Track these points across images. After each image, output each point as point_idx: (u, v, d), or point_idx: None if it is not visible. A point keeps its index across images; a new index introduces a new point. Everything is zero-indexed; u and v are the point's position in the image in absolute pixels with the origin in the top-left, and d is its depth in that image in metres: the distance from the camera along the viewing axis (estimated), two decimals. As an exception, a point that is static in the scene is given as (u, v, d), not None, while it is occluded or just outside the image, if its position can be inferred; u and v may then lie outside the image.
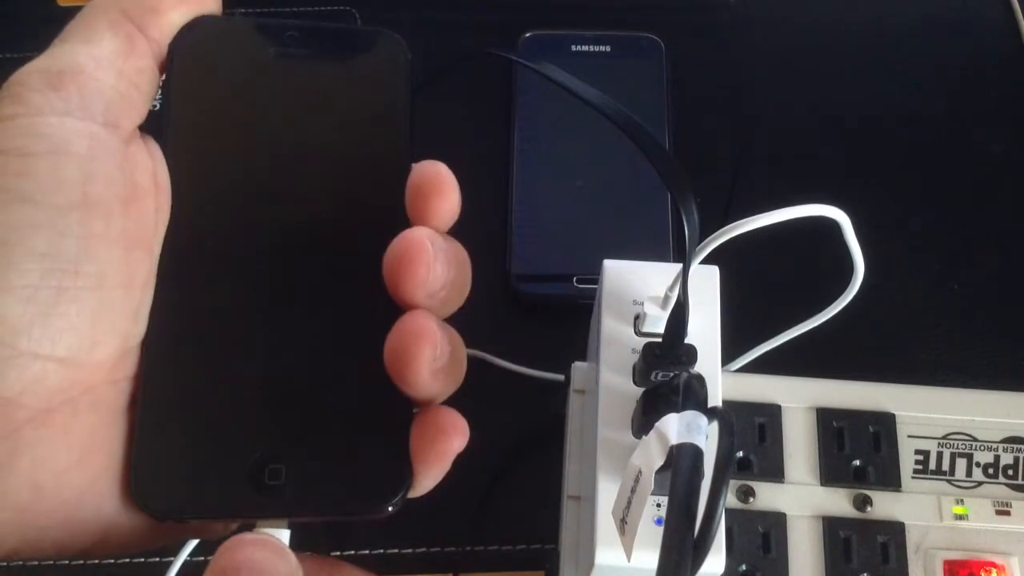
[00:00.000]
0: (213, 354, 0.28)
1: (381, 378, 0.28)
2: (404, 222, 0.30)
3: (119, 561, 0.44)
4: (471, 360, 0.48)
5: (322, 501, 0.27)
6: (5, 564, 0.43)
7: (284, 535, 0.27)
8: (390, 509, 0.28)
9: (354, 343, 0.29)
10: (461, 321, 0.49)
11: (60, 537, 0.26)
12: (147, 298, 0.28)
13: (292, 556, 0.25)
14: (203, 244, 0.29)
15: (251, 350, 0.28)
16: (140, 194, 0.28)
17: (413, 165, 0.30)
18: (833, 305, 0.36)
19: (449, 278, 0.29)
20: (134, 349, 0.28)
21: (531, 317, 0.50)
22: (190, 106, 0.30)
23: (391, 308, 0.28)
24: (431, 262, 0.28)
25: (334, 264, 0.29)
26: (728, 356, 0.40)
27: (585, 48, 0.56)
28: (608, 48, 0.55)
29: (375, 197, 0.30)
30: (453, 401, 0.48)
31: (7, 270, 0.25)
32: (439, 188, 0.31)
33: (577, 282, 0.49)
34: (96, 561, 0.44)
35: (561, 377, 0.43)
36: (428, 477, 0.29)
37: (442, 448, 0.29)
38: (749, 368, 0.44)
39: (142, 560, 0.45)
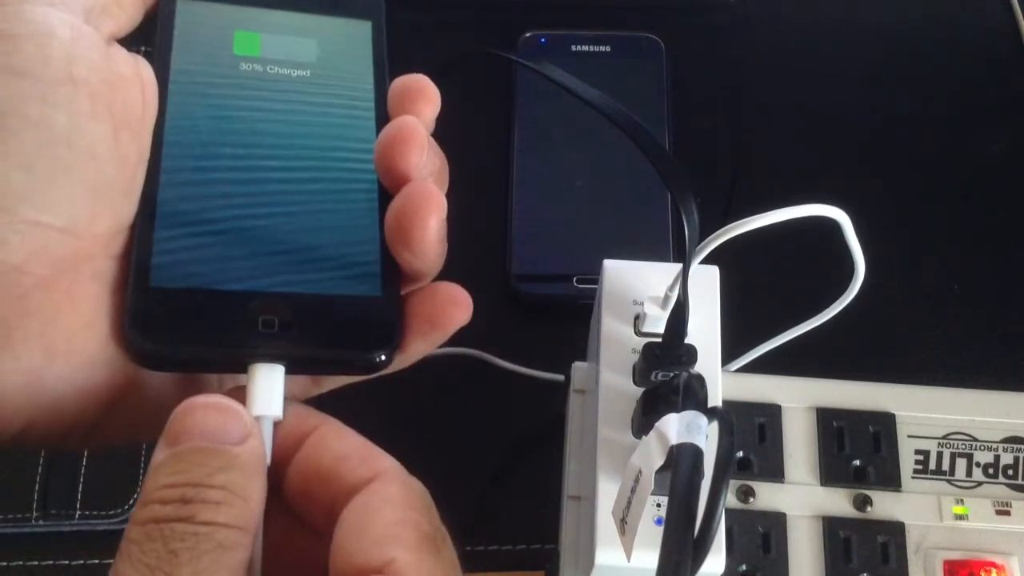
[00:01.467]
0: (209, 208, 0.28)
1: (374, 248, 0.29)
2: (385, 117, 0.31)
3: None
4: (471, 360, 0.48)
5: (314, 349, 0.27)
6: (5, 564, 0.43)
7: (277, 391, 0.26)
8: (381, 359, 0.28)
9: (348, 217, 0.30)
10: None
11: (72, 408, 0.26)
12: (139, 179, 0.28)
13: (247, 416, 0.25)
14: (195, 140, 0.29)
15: (248, 209, 0.29)
16: (124, 83, 0.28)
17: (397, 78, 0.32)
18: (834, 305, 0.36)
19: (435, 167, 0.31)
20: (126, 230, 0.28)
21: (531, 317, 0.50)
22: (181, 27, 0.31)
23: (383, 193, 0.30)
24: (424, 142, 0.29)
25: (324, 150, 0.30)
26: (728, 356, 0.40)
27: (585, 48, 0.56)
28: (608, 48, 0.55)
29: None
30: (452, 395, 0.48)
31: (5, 137, 0.25)
32: (423, 93, 0.32)
33: (577, 282, 0.49)
34: (96, 561, 0.44)
35: (561, 377, 0.43)
36: (427, 343, 0.30)
37: (449, 316, 0.30)
38: (749, 368, 0.44)
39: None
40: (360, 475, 0.25)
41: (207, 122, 0.29)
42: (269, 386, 0.26)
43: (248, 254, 0.28)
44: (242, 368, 0.26)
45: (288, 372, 0.27)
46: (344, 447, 0.26)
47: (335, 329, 0.28)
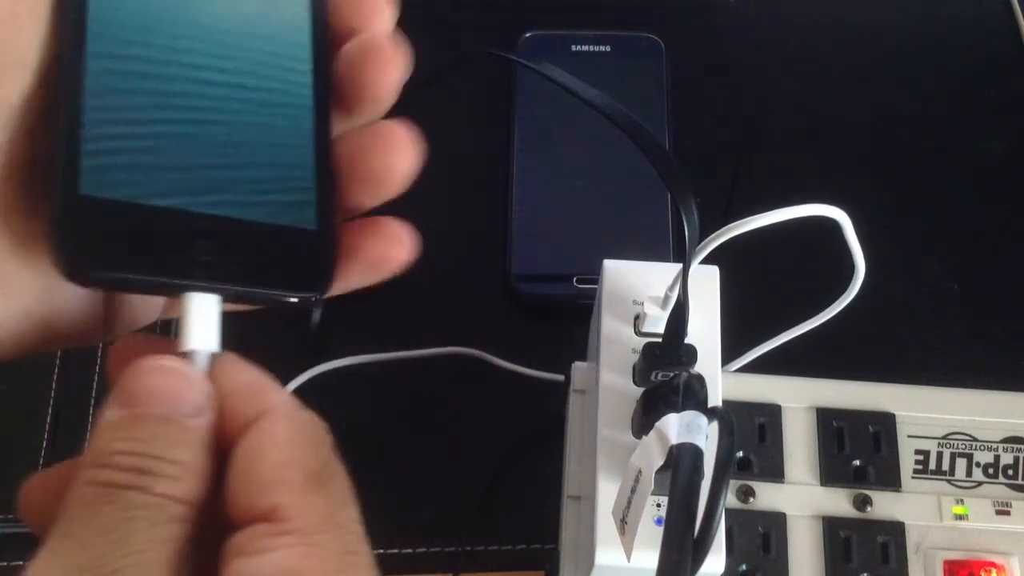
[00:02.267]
0: (141, 108, 0.25)
1: (310, 174, 0.27)
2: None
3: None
4: (471, 360, 0.48)
5: (248, 282, 0.26)
6: (5, 564, 0.43)
7: (214, 323, 0.25)
8: (313, 299, 0.27)
9: (284, 134, 0.27)
10: (462, 321, 0.49)
11: None
12: (32, 48, 0.23)
13: (203, 382, 0.23)
14: (122, 22, 0.26)
15: (182, 113, 0.26)
16: None
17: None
18: (834, 304, 0.36)
19: None
20: (17, 112, 0.23)
21: (531, 317, 0.50)
22: None
23: (319, 113, 0.27)
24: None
25: (261, 52, 0.27)
26: (728, 356, 0.40)
27: (585, 48, 0.55)
28: (608, 48, 0.55)
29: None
30: (452, 396, 0.48)
31: None
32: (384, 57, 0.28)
33: (577, 282, 0.49)
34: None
35: (561, 377, 0.43)
36: (365, 280, 0.28)
37: (391, 257, 0.28)
38: (749, 368, 0.44)
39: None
40: (248, 414, 0.23)
41: (135, 3, 0.26)
42: (206, 318, 0.25)
43: (183, 167, 0.25)
44: (173, 293, 0.25)
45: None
46: (233, 383, 0.24)
47: (270, 262, 0.26)
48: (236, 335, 0.26)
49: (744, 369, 0.44)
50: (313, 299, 0.27)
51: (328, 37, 0.28)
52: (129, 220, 0.24)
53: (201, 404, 0.23)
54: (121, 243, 0.24)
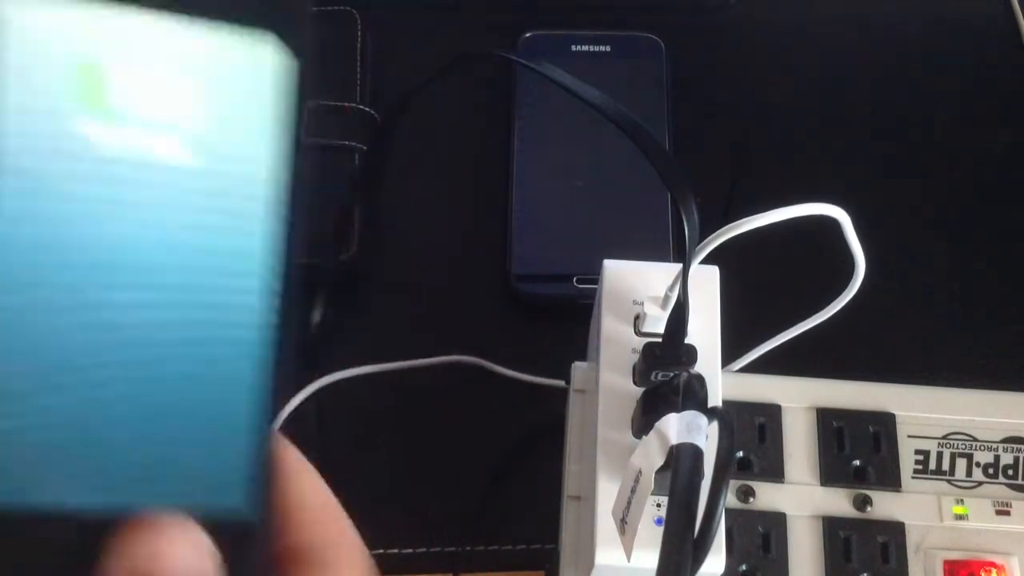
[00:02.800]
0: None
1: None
2: None
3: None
4: (470, 365, 0.48)
5: None
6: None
7: None
8: None
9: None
10: (462, 321, 0.49)
11: None
12: None
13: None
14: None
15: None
16: None
17: None
18: (835, 303, 0.36)
19: None
20: None
21: (531, 317, 0.50)
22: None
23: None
24: None
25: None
26: (729, 357, 0.40)
27: (585, 48, 0.55)
28: (608, 48, 0.55)
29: None
30: (452, 396, 0.48)
31: None
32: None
33: (577, 282, 0.49)
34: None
35: (562, 383, 0.43)
36: None
37: None
38: (749, 368, 0.44)
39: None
40: (322, 537, 0.22)
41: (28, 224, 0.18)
42: None
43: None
44: None
45: None
46: (310, 503, 0.22)
47: None
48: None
49: (744, 369, 0.44)
50: None
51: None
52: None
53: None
54: None
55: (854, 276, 0.33)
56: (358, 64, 0.53)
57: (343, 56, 0.54)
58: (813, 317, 0.37)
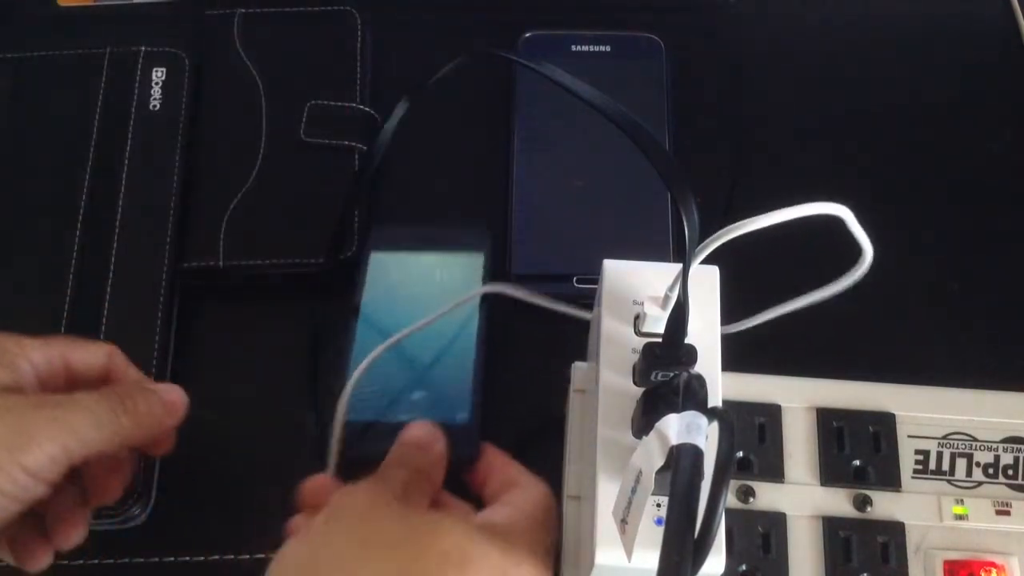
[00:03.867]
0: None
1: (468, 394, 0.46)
2: None
3: (118, 561, 0.45)
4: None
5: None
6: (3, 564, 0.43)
7: None
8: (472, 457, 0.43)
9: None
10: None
11: None
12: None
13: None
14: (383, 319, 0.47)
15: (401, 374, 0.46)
16: None
17: None
18: (843, 279, 0.34)
19: None
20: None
21: (531, 317, 0.50)
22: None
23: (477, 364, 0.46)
24: None
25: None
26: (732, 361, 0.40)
27: (585, 48, 0.55)
28: (608, 48, 0.55)
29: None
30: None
31: None
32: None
33: (577, 282, 0.49)
34: (96, 562, 0.44)
35: (587, 315, 0.43)
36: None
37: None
38: (741, 365, 0.44)
39: (141, 561, 0.45)
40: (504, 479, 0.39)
41: (388, 321, 0.46)
42: None
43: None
44: None
45: None
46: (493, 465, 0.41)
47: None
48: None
49: (744, 366, 0.44)
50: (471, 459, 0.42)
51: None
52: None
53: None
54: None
55: (860, 260, 0.32)
56: (358, 64, 0.53)
57: (343, 56, 0.54)
58: (818, 291, 0.36)
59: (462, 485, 0.41)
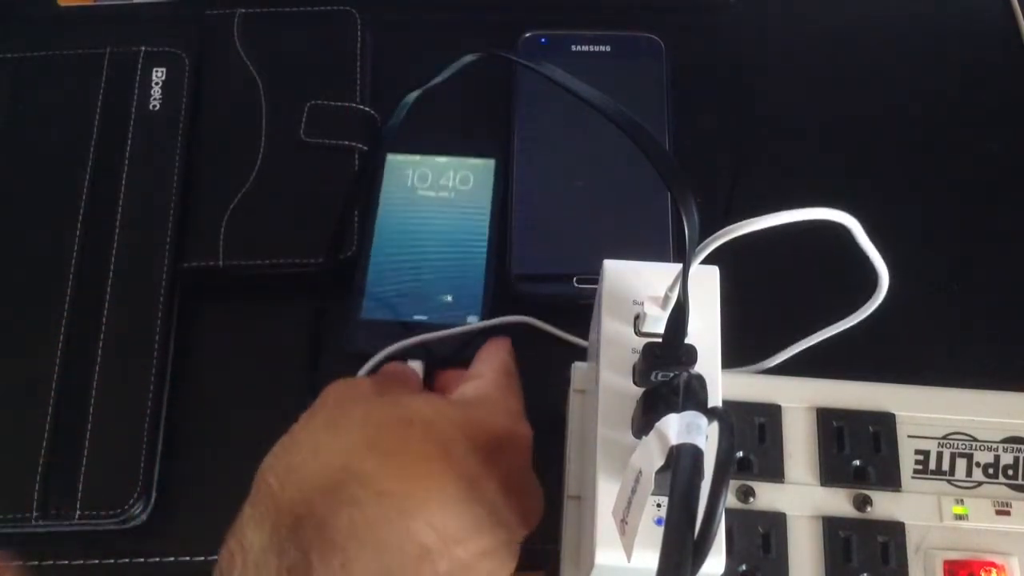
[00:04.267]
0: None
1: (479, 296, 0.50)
2: None
3: (134, 560, 0.45)
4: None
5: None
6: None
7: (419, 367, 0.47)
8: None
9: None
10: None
11: None
12: None
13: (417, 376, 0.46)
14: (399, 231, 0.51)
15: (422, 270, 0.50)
16: None
17: None
18: (863, 308, 0.36)
19: None
20: None
21: (532, 317, 0.50)
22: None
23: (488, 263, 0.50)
24: None
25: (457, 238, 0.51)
26: (737, 359, 0.40)
27: (585, 48, 0.55)
28: (608, 48, 0.55)
29: None
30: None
31: None
32: None
33: (577, 282, 0.49)
34: (96, 561, 0.44)
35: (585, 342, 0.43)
36: None
37: None
38: (741, 365, 0.44)
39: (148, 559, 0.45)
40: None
41: (403, 224, 0.50)
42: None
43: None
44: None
45: None
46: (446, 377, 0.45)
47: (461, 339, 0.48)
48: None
49: (744, 366, 0.44)
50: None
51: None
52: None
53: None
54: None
55: (879, 281, 0.33)
56: (358, 64, 0.53)
57: (343, 56, 0.54)
58: (839, 323, 0.37)
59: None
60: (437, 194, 0.51)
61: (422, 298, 0.48)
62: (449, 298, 0.48)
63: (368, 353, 0.46)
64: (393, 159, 0.52)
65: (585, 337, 0.44)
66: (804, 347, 0.41)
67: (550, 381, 0.44)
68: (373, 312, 0.47)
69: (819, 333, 0.39)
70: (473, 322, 0.47)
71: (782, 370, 0.43)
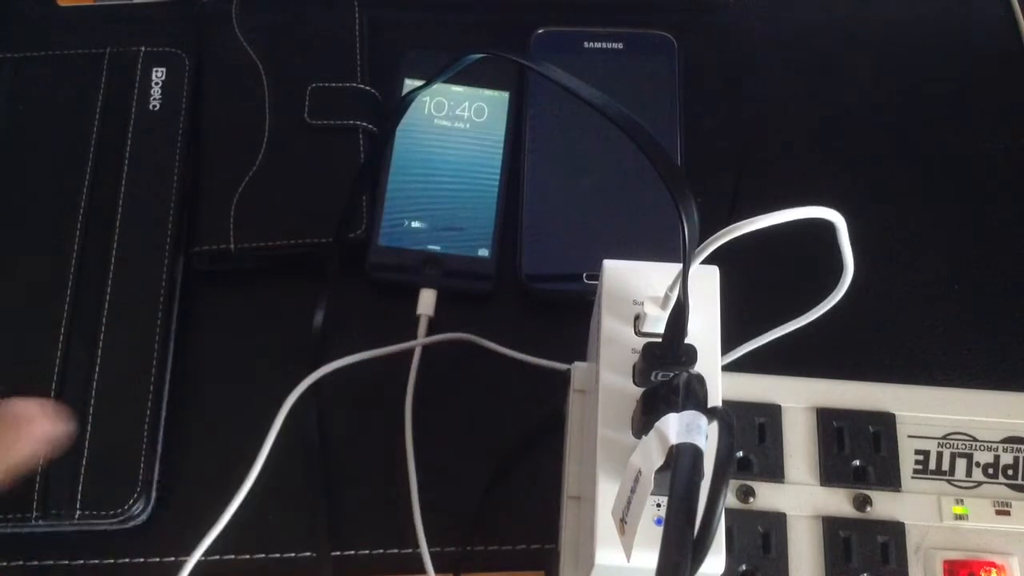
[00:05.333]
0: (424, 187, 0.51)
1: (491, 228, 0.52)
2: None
3: (133, 560, 0.45)
4: (471, 359, 0.48)
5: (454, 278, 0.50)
6: (4, 564, 0.43)
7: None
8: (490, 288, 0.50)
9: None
10: (476, 317, 0.49)
11: None
12: None
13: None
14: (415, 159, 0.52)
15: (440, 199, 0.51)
16: None
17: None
18: (821, 305, 0.35)
19: None
20: None
21: (543, 315, 0.50)
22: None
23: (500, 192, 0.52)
24: None
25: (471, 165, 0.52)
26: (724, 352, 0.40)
27: (598, 45, 0.55)
28: (621, 45, 0.55)
29: None
30: (452, 396, 0.48)
31: None
32: None
33: (587, 279, 0.49)
34: (96, 561, 0.44)
35: (564, 366, 0.43)
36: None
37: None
38: (735, 367, 0.44)
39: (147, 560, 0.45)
40: None
41: (420, 152, 0.52)
42: None
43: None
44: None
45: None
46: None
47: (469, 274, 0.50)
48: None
49: (734, 368, 0.44)
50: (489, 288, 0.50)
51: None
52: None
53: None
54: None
55: (841, 279, 0.33)
56: (357, 44, 0.54)
57: (342, 37, 0.54)
58: (799, 319, 0.36)
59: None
60: (452, 124, 0.52)
61: (436, 229, 0.50)
62: (462, 230, 0.50)
63: (388, 281, 0.49)
64: (411, 84, 0.53)
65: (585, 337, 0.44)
66: (758, 344, 0.40)
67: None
68: (390, 240, 0.49)
69: (774, 331, 0.38)
70: (484, 255, 0.49)
71: (780, 369, 0.43)
